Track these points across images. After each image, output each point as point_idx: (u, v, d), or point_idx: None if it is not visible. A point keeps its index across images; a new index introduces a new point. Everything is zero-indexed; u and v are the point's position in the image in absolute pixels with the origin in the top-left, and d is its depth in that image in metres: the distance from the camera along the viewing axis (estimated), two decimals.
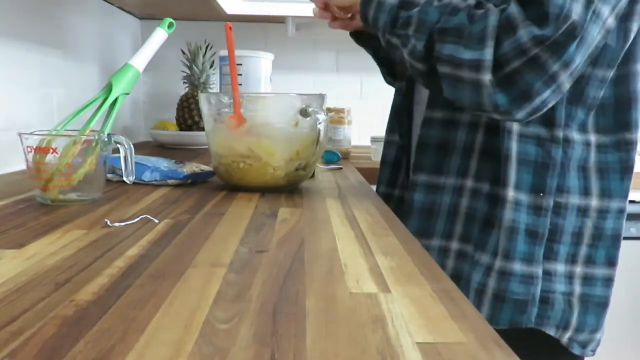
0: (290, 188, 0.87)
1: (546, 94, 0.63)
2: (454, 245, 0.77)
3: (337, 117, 1.52)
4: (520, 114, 0.65)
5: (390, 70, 1.04)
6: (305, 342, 0.32)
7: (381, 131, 1.40)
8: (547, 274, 0.73)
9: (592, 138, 0.73)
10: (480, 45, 0.64)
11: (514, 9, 0.63)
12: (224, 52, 1.42)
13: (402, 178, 0.92)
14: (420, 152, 0.80)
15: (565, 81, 0.64)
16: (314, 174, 0.98)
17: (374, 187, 0.97)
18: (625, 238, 1.28)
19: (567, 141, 0.72)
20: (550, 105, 0.66)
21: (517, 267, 0.72)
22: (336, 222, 0.65)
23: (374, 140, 1.57)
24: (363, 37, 0.99)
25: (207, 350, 0.31)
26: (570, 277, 0.74)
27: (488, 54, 0.63)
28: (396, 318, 0.36)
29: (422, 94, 0.86)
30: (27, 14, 1.14)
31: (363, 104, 2.00)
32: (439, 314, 0.37)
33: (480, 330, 0.35)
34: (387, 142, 0.96)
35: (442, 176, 0.78)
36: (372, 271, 0.46)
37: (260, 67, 1.45)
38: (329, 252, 0.52)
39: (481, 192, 0.75)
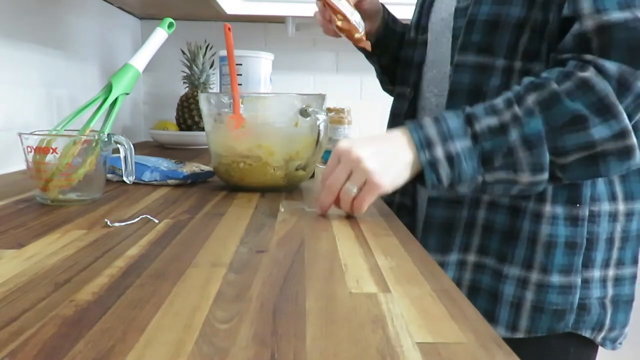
0: (290, 188, 0.87)
1: None
2: (471, 257, 0.77)
3: (337, 117, 1.52)
4: None
5: (392, 77, 1.03)
6: (305, 342, 0.32)
7: (381, 131, 1.39)
8: (585, 282, 0.73)
9: None
10: (611, 115, 0.61)
11: (612, 66, 0.61)
12: (224, 52, 1.41)
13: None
14: None
15: None
16: (314, 174, 0.98)
17: None
18: None
19: None
20: None
21: (555, 278, 0.72)
22: (336, 222, 0.65)
23: None
24: (372, 54, 1.00)
25: (207, 350, 0.31)
26: (604, 281, 0.74)
27: (625, 118, 0.61)
28: (396, 318, 0.36)
29: (429, 101, 0.86)
30: (27, 14, 1.14)
31: (363, 104, 2.00)
32: (439, 314, 0.37)
33: (480, 330, 0.35)
34: None
35: None
36: (372, 271, 0.46)
37: (260, 67, 1.45)
38: (329, 252, 0.52)
39: (499, 203, 0.75)
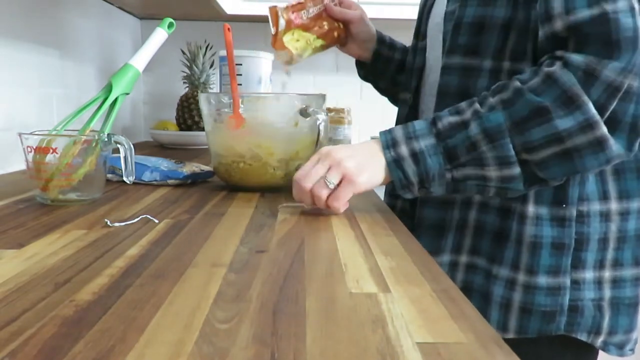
0: (290, 188, 0.87)
1: None
2: (463, 258, 0.77)
3: (337, 117, 1.52)
4: (636, 147, 0.64)
5: (394, 98, 1.04)
6: (305, 342, 0.32)
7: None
8: (575, 283, 0.72)
9: None
10: (573, 106, 0.61)
11: (578, 58, 0.61)
12: (224, 52, 1.41)
13: None
14: None
15: None
16: None
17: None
18: None
19: None
20: None
21: (542, 280, 0.71)
22: (336, 222, 0.65)
23: None
24: (364, 70, 1.01)
25: (207, 350, 0.31)
26: (599, 283, 0.73)
27: (590, 109, 0.60)
28: (396, 318, 0.36)
29: (428, 104, 0.86)
30: (27, 14, 1.14)
31: (363, 104, 2.00)
32: (439, 314, 0.37)
33: (480, 330, 0.35)
34: None
35: None
36: (372, 271, 0.46)
37: (260, 67, 1.45)
38: (329, 252, 0.52)
39: (489, 205, 0.75)
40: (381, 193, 0.98)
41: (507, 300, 0.73)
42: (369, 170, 0.67)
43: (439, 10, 0.83)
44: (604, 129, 0.61)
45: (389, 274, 0.46)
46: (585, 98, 0.60)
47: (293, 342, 0.32)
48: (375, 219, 0.67)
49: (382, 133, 0.69)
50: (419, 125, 0.67)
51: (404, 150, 0.66)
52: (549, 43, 0.65)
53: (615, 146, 0.62)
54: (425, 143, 0.66)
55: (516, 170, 0.64)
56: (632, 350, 0.77)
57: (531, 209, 0.71)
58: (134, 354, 0.30)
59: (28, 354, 0.30)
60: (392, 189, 0.94)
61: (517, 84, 0.64)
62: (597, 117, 0.61)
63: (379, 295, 0.41)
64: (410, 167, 0.66)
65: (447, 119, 0.66)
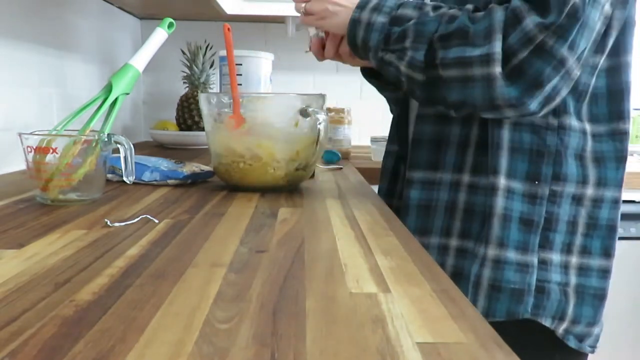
0: (290, 188, 0.87)
1: (556, 79, 0.65)
2: (454, 242, 0.77)
3: (337, 117, 1.52)
4: (534, 105, 0.66)
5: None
6: (305, 342, 0.32)
7: (381, 131, 1.39)
8: (543, 263, 0.73)
9: (588, 127, 0.74)
10: (487, 40, 0.65)
11: (517, 2, 0.65)
12: (224, 52, 1.41)
13: (400, 187, 0.92)
14: (415, 148, 0.80)
15: (574, 66, 0.65)
16: (314, 174, 0.98)
17: (374, 187, 0.97)
18: (625, 238, 1.28)
19: (562, 128, 0.72)
20: (562, 93, 0.67)
21: (511, 255, 0.72)
22: (336, 222, 0.65)
23: (374, 140, 1.57)
24: (374, 75, 1.02)
25: (207, 350, 0.31)
26: (565, 267, 0.74)
27: (497, 46, 0.65)
28: (396, 318, 0.36)
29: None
30: (27, 14, 1.14)
31: (363, 104, 2.00)
32: (439, 314, 0.37)
33: (480, 330, 0.35)
34: (387, 152, 0.96)
35: (438, 172, 0.78)
36: (372, 271, 0.46)
37: (260, 67, 1.45)
38: (329, 252, 0.52)
39: (478, 185, 0.75)
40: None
41: (478, 277, 0.73)
42: (338, 19, 0.78)
43: None
44: (498, 69, 0.65)
45: (389, 274, 0.46)
46: (499, 36, 0.65)
47: (293, 342, 0.32)
48: (375, 219, 0.67)
49: None
50: (391, 2, 0.74)
51: (365, 16, 0.74)
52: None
53: (504, 89, 0.65)
54: (379, 19, 0.73)
55: (419, 76, 0.70)
56: (592, 348, 0.76)
57: (503, 181, 0.73)
58: (134, 354, 0.30)
59: (28, 354, 0.30)
60: (388, 191, 0.94)
61: (470, 7, 0.70)
62: (499, 55, 0.65)
63: (379, 295, 0.41)
64: (360, 32, 0.74)
65: (407, 10, 0.72)
